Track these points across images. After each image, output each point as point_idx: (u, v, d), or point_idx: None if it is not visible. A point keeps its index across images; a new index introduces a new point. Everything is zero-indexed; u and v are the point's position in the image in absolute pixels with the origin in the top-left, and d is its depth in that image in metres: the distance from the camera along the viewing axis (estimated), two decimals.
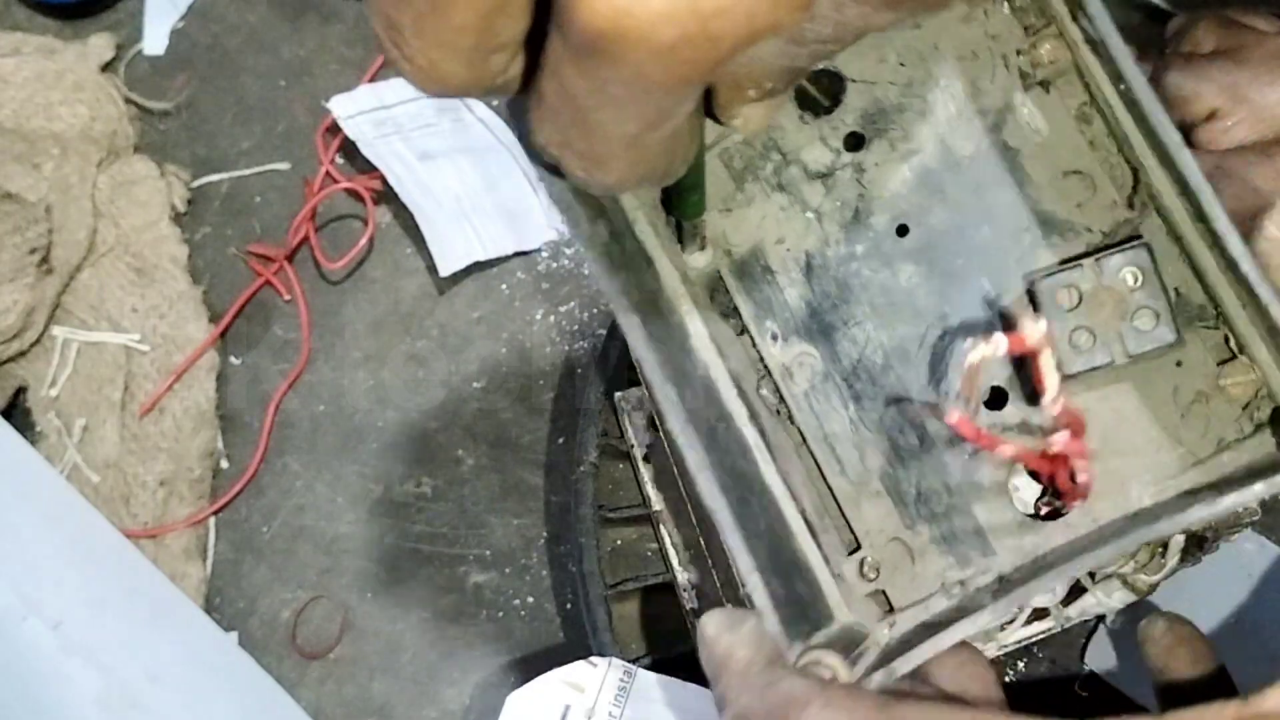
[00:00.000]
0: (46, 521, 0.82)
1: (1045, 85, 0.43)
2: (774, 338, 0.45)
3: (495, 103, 0.98)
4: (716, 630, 0.40)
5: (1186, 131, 0.71)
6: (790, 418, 0.45)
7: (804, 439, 0.45)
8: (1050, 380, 0.36)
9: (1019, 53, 0.43)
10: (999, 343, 0.35)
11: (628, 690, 0.63)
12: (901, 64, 0.44)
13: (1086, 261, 0.41)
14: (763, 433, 0.43)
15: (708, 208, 0.44)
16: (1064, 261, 0.42)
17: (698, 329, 0.42)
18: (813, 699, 0.36)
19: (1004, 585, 0.41)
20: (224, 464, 0.90)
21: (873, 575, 0.44)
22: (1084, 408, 0.42)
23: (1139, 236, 0.41)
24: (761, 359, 0.46)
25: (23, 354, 0.90)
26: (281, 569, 0.87)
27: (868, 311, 0.44)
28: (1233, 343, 0.41)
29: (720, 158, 0.46)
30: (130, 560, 0.83)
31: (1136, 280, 0.40)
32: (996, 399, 0.43)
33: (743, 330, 0.46)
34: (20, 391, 0.91)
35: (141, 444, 0.88)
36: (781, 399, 0.45)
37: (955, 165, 0.44)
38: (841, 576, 0.43)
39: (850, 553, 0.44)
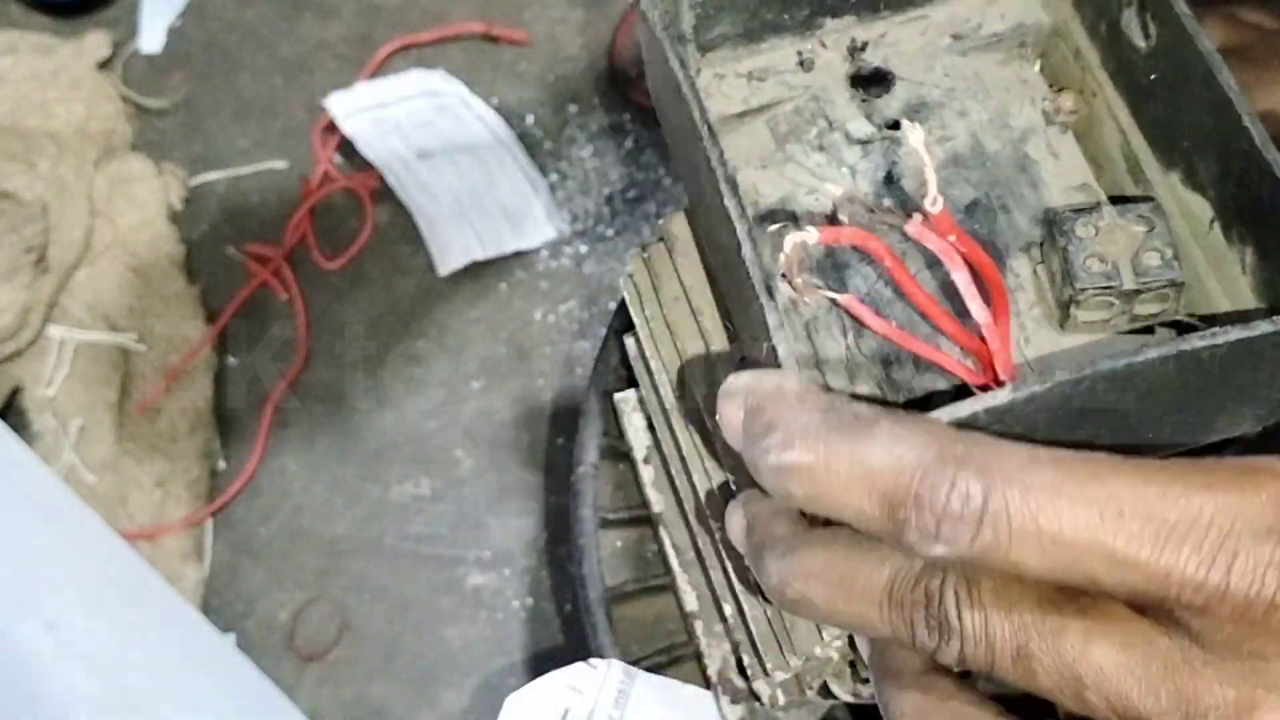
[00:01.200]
0: (42, 522, 0.81)
1: (1063, 128, 0.49)
2: (783, 276, 0.48)
3: (495, 101, 0.98)
4: (754, 377, 0.38)
5: None
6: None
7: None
8: (930, 180, 0.39)
9: (1044, 99, 0.49)
10: (811, 233, 0.39)
11: (627, 693, 0.62)
12: (946, 75, 0.50)
13: (1105, 207, 0.45)
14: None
15: (748, 163, 0.49)
16: (1081, 207, 0.46)
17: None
18: (881, 417, 0.34)
19: None
20: (221, 464, 0.90)
21: None
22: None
23: (1151, 198, 0.45)
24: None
25: (19, 354, 0.90)
26: (279, 570, 0.87)
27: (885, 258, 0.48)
28: None
29: (767, 123, 0.50)
30: (127, 561, 0.82)
31: (1145, 228, 0.44)
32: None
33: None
34: (16, 391, 0.90)
35: (138, 444, 0.88)
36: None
37: (982, 156, 0.48)
38: None
39: None
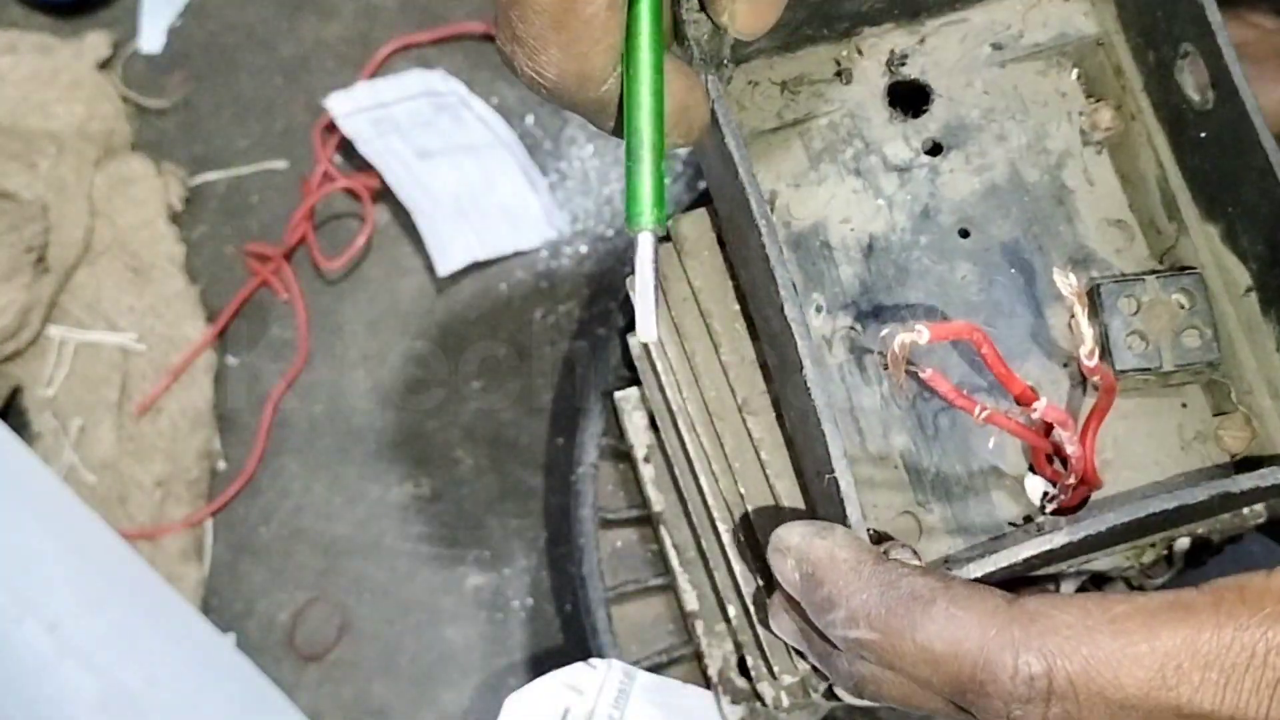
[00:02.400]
0: (43, 522, 0.81)
1: (1099, 147, 0.49)
2: (818, 309, 0.48)
3: (495, 101, 0.98)
4: (804, 537, 0.38)
5: None
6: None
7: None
8: (1087, 333, 0.39)
9: (1081, 113, 0.49)
10: (922, 333, 0.38)
11: (627, 692, 0.62)
12: (985, 92, 0.49)
13: (1148, 278, 0.45)
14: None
15: (780, 180, 0.48)
16: (1125, 276, 0.46)
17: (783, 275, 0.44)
18: (938, 595, 0.35)
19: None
20: (221, 465, 0.90)
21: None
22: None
23: (1192, 267, 0.46)
24: None
25: (19, 354, 0.90)
26: (279, 570, 0.87)
27: (921, 298, 0.47)
28: (1234, 395, 0.45)
29: (801, 136, 0.49)
30: (127, 561, 0.82)
31: (1187, 303, 0.45)
32: None
33: None
34: (16, 391, 0.90)
35: (138, 444, 0.88)
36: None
37: (1020, 188, 0.48)
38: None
39: None
